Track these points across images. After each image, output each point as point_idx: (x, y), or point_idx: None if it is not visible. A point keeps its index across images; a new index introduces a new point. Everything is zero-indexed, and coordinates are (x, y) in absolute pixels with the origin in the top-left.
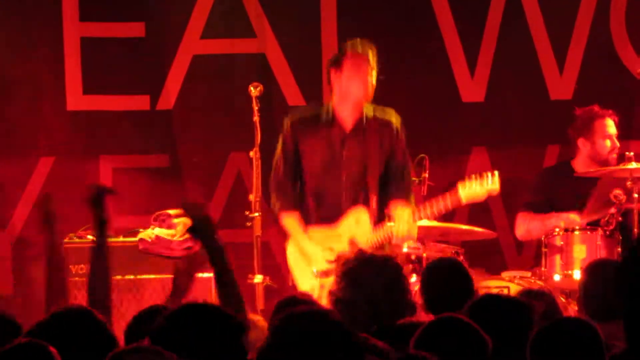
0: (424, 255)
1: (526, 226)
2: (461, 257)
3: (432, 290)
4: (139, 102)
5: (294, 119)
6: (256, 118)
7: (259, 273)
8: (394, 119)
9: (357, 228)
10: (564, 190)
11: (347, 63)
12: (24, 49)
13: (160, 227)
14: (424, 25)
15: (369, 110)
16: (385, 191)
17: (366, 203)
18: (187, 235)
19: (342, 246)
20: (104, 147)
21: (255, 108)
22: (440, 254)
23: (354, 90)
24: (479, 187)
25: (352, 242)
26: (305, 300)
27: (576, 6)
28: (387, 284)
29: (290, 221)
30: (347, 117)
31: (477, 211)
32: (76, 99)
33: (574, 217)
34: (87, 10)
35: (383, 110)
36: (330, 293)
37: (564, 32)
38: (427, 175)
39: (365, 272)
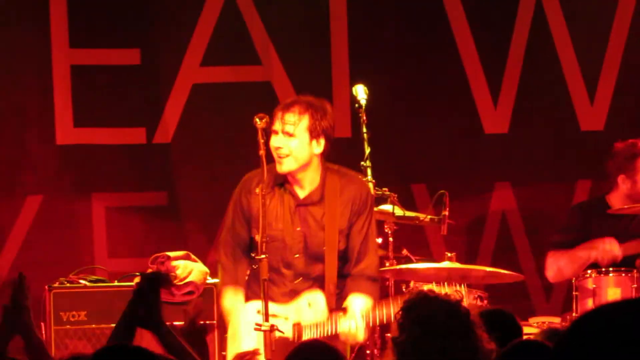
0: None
1: (557, 265)
2: (485, 302)
3: None
4: (135, 135)
5: (247, 179)
6: (262, 152)
7: (267, 320)
8: (360, 188)
9: (306, 312)
10: (598, 229)
11: (272, 122)
12: (9, 77)
13: (159, 270)
14: (443, 52)
15: (330, 174)
16: (344, 273)
17: (322, 285)
18: (188, 279)
19: (285, 329)
20: (97, 184)
21: (261, 141)
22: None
23: (275, 157)
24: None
25: (296, 327)
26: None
27: (607, 31)
28: (462, 330)
29: (226, 298)
30: (300, 183)
31: (502, 252)
32: (66, 132)
33: (610, 245)
34: (78, 36)
35: (349, 175)
36: (393, 340)
37: (595, 58)
38: (447, 212)
39: (436, 317)
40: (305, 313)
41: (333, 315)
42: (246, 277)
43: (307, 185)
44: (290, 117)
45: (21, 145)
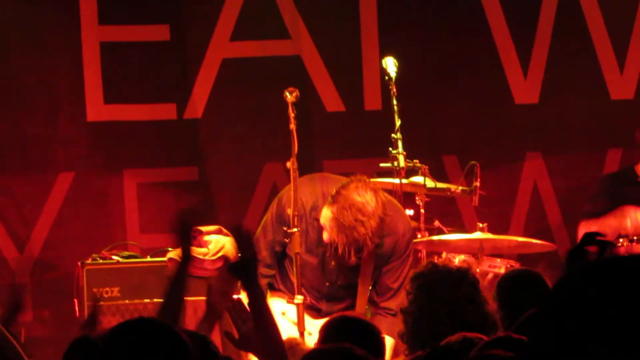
0: (477, 270)
1: None
2: None
3: (506, 305)
4: (165, 111)
5: (287, 200)
6: (292, 126)
7: (299, 293)
8: (404, 232)
9: None
10: (627, 198)
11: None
12: (38, 55)
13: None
14: (473, 23)
15: None
16: (370, 299)
17: (351, 307)
18: (220, 254)
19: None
20: (128, 160)
21: (292, 115)
22: (495, 268)
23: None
24: None
25: None
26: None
27: None
28: (468, 296)
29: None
30: None
31: (534, 222)
32: (96, 109)
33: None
34: (107, 13)
35: (394, 223)
36: (402, 311)
37: (624, 26)
38: (478, 183)
39: (440, 285)
40: None
41: None
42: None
43: None
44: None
45: (52, 122)
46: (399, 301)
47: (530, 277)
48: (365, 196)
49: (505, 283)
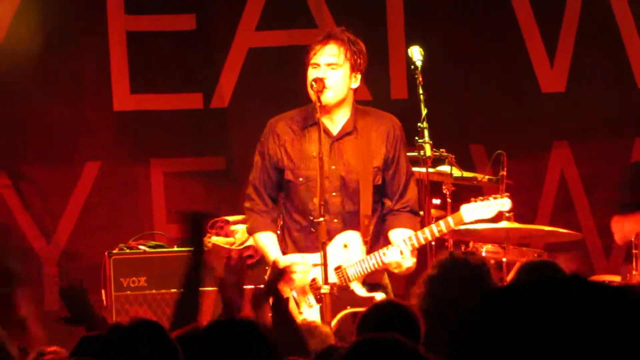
0: (504, 259)
1: (622, 230)
2: None
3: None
4: (191, 101)
5: (274, 121)
6: (319, 115)
7: (326, 283)
8: (393, 124)
9: (345, 253)
10: None
11: (309, 56)
12: (65, 45)
13: (218, 235)
14: (498, 11)
15: (361, 110)
16: (382, 208)
17: (358, 223)
18: (247, 243)
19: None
20: (154, 149)
21: (318, 105)
22: (522, 257)
23: (311, 91)
24: (486, 208)
25: (339, 271)
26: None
27: None
28: (470, 284)
29: (262, 239)
30: (333, 120)
31: (561, 211)
32: (123, 99)
33: None
34: (133, 2)
35: (381, 114)
36: (417, 305)
37: None
38: (505, 172)
39: (449, 287)
40: (342, 255)
41: (377, 250)
42: (278, 223)
43: (340, 120)
44: (333, 49)
45: (79, 112)
46: (410, 196)
47: (547, 269)
48: None
49: (522, 275)
